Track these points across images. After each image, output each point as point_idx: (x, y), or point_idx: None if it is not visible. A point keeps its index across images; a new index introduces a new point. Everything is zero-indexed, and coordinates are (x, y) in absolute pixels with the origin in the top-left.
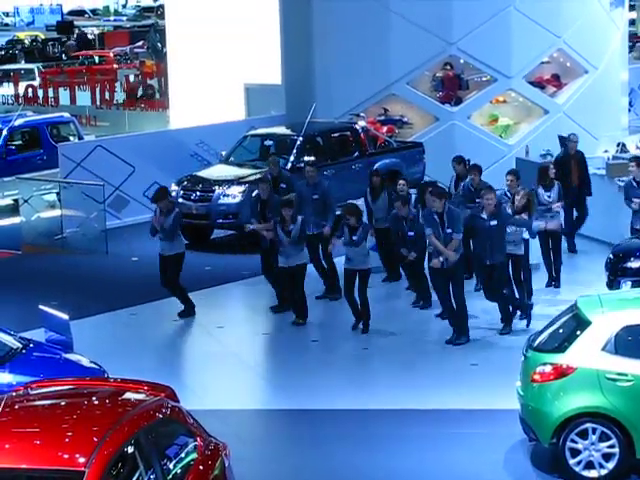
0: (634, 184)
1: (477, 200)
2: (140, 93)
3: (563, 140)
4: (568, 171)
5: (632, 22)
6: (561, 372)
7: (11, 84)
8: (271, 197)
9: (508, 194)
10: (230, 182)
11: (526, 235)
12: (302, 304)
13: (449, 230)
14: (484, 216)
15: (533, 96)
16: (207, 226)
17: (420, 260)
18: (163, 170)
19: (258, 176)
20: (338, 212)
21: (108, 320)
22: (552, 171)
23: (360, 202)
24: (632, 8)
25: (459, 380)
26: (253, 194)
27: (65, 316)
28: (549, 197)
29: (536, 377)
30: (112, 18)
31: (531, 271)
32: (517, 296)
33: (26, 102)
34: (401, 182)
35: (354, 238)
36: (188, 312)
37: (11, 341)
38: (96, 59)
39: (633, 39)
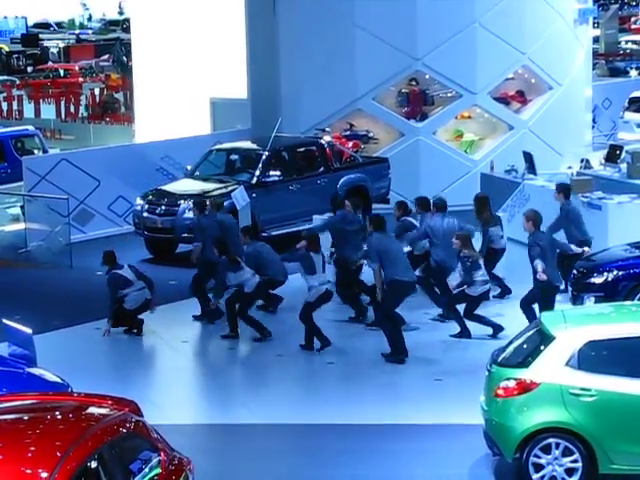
0: None
1: None
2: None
3: (527, 156)
4: None
5: (595, 39)
6: (525, 387)
7: None
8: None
9: None
10: (195, 196)
11: None
12: (254, 323)
13: None
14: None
15: (498, 112)
16: (172, 240)
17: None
18: (128, 184)
19: (223, 191)
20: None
21: (72, 334)
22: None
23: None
24: (595, 25)
25: (423, 395)
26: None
27: (28, 330)
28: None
29: (500, 392)
30: (77, 31)
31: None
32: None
33: None
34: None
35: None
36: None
37: None
38: (61, 72)
39: (596, 56)
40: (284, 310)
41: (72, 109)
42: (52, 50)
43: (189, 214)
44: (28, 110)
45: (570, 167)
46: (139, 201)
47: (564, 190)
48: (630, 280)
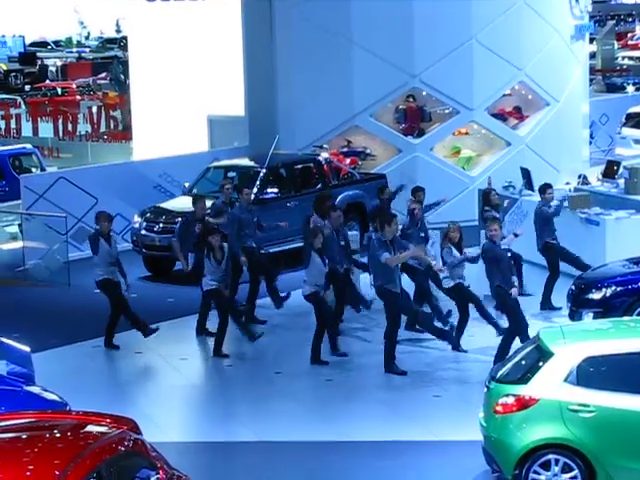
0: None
1: None
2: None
3: (524, 172)
4: None
5: (592, 55)
6: (524, 403)
7: None
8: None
9: None
10: (193, 214)
11: None
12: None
13: None
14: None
15: (495, 128)
16: (170, 258)
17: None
18: (126, 202)
19: None
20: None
21: (70, 352)
22: (495, 197)
23: None
24: (592, 41)
25: (422, 412)
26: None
27: (27, 348)
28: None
29: (499, 408)
30: (75, 49)
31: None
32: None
33: None
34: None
35: None
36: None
37: None
38: (59, 90)
39: (593, 72)
40: (282, 327)
41: (70, 127)
42: (50, 68)
43: None
44: (26, 128)
45: (568, 183)
46: (137, 219)
47: (539, 189)
48: (628, 296)
